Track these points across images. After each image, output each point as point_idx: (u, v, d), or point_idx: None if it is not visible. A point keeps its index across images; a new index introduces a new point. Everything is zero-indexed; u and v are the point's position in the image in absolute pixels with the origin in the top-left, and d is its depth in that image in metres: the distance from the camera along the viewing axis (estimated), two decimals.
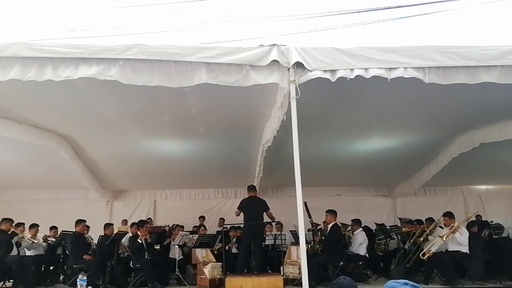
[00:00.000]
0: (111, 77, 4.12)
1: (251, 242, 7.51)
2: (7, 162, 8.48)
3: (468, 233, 7.13)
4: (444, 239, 6.89)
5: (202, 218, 11.06)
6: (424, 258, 6.95)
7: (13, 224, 7.63)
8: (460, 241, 6.92)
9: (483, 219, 10.26)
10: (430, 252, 6.94)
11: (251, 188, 7.97)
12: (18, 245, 7.65)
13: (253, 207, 7.54)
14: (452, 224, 7.06)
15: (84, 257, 7.59)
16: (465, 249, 6.95)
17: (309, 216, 7.55)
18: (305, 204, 6.99)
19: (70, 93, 5.29)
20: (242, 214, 7.61)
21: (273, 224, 9.17)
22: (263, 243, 8.55)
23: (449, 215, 7.23)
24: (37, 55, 4.12)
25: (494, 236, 8.61)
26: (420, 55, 4.26)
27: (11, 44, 4.11)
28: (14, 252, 7.43)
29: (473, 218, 8.22)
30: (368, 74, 4.23)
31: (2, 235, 7.31)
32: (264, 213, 7.56)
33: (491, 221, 9.56)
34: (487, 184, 12.04)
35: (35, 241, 8.06)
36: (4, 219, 7.47)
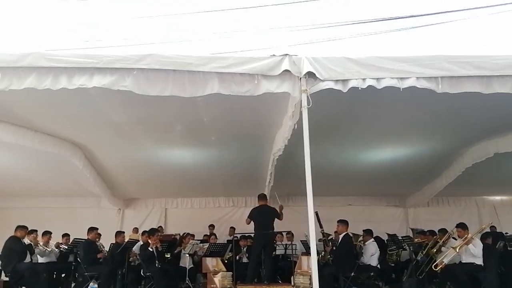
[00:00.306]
0: (125, 87, 4.18)
1: (261, 251, 7.48)
2: (20, 170, 8.61)
3: (482, 245, 7.00)
4: (457, 250, 6.78)
5: (212, 226, 11.07)
6: (436, 269, 6.84)
7: (27, 231, 7.73)
8: (474, 253, 6.81)
9: (497, 230, 10.10)
10: (443, 264, 6.83)
11: (262, 197, 7.94)
12: (31, 252, 7.74)
13: (264, 216, 7.52)
14: (466, 236, 6.95)
15: (98, 255, 7.82)
16: (479, 261, 6.83)
17: (320, 226, 7.51)
18: (316, 213, 6.96)
19: (84, 102, 5.38)
20: (252, 223, 7.60)
21: (284, 233, 9.15)
22: (274, 253, 8.53)
23: (462, 226, 7.12)
24: (52, 65, 4.19)
25: (509, 248, 8.44)
26: (432, 64, 4.25)
27: (28, 55, 4.19)
28: (27, 259, 7.51)
29: (488, 229, 8.08)
30: (380, 84, 4.23)
31: (17, 244, 7.41)
32: (276, 219, 7.54)
33: (506, 233, 9.38)
34: (501, 194, 11.86)
35: (48, 249, 8.14)
36: (19, 227, 7.58)
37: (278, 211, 7.64)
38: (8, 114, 5.88)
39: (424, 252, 7.90)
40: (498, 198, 11.96)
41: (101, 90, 4.38)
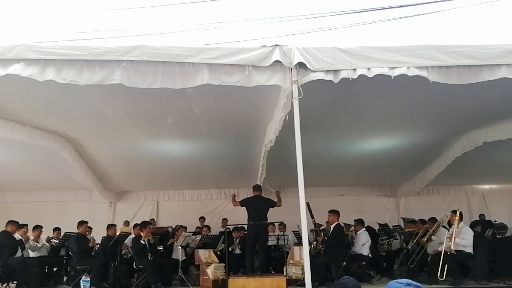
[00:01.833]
0: (115, 80, 4.13)
1: (255, 242, 7.53)
2: (11, 165, 8.51)
3: (472, 232, 7.11)
4: (453, 248, 6.82)
5: (202, 219, 11.06)
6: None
7: (18, 226, 7.67)
8: (464, 244, 6.91)
9: (486, 218, 10.25)
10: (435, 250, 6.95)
11: (256, 188, 7.94)
12: (22, 247, 7.68)
13: (257, 206, 7.55)
14: (454, 222, 7.04)
15: (89, 244, 7.93)
16: (469, 249, 6.93)
17: (312, 217, 7.55)
18: (307, 204, 6.99)
19: (73, 94, 5.31)
20: (246, 214, 7.64)
21: (276, 224, 9.20)
22: (266, 243, 8.59)
23: (454, 213, 7.22)
24: (40, 57, 4.11)
25: (497, 236, 8.59)
26: (422, 54, 4.25)
27: (14, 47, 4.11)
28: (18, 253, 7.47)
29: (476, 218, 8.19)
30: (370, 73, 4.23)
31: (8, 240, 7.36)
32: (270, 209, 7.62)
33: (495, 221, 9.55)
34: (490, 183, 12.01)
35: (39, 244, 8.09)
36: (10, 221, 7.52)
37: (277, 198, 7.78)
38: None
39: (414, 241, 7.99)
40: (487, 187, 12.11)
41: None
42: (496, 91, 5.12)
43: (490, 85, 4.40)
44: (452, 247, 6.79)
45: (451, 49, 4.27)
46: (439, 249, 7.04)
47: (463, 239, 6.95)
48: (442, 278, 6.65)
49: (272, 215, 7.95)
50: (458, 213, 7.13)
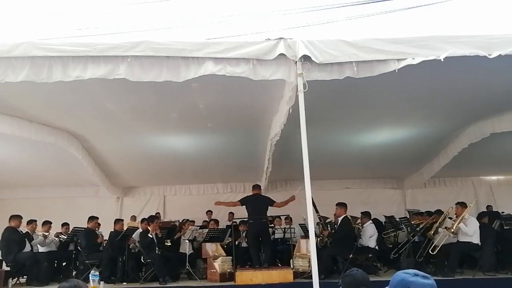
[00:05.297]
0: (119, 75, 4.15)
1: (257, 238, 7.60)
2: (18, 161, 8.58)
3: (477, 223, 7.08)
4: (452, 230, 6.84)
5: (209, 212, 11.11)
6: (434, 253, 6.96)
7: (21, 220, 7.73)
8: (465, 231, 6.88)
9: (493, 209, 10.20)
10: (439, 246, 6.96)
11: (256, 186, 8.14)
12: (30, 239, 7.76)
13: (257, 203, 7.66)
14: (461, 215, 7.03)
15: (98, 240, 7.94)
16: (476, 240, 6.91)
17: (316, 211, 7.55)
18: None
19: (78, 90, 5.33)
20: (246, 211, 7.72)
21: (282, 218, 9.24)
22: (273, 237, 8.61)
23: (460, 204, 7.20)
24: (45, 54, 4.13)
25: (505, 227, 8.54)
26: (428, 45, 4.22)
27: (20, 44, 4.13)
28: (27, 248, 7.55)
29: (484, 209, 8.16)
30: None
31: (14, 234, 7.43)
32: (269, 208, 7.68)
33: (502, 212, 9.49)
34: (498, 174, 11.95)
35: (47, 234, 8.17)
36: (13, 216, 7.59)
37: (285, 201, 7.85)
38: (2, 104, 5.82)
39: (421, 233, 7.97)
40: (494, 178, 12.04)
41: (96, 78, 4.34)
42: (502, 81, 5.07)
43: (497, 76, 4.36)
44: (453, 229, 6.79)
45: (457, 39, 4.23)
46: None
47: (466, 225, 6.93)
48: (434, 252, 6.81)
49: (279, 208, 7.97)
50: (473, 203, 7.21)
